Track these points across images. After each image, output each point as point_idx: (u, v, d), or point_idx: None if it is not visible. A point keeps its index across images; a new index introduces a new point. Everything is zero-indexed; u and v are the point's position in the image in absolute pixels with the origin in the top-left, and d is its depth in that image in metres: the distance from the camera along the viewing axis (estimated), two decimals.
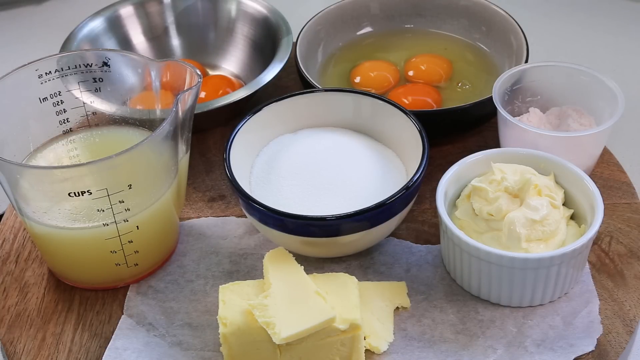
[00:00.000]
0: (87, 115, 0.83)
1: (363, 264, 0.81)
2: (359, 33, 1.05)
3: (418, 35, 1.04)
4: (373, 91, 0.94)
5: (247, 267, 0.82)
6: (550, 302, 0.77)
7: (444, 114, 0.88)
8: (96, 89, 0.82)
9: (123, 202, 0.74)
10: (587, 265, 0.80)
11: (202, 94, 0.96)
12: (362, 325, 0.70)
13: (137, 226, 0.76)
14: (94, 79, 0.82)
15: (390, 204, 0.75)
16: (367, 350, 0.73)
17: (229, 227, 0.86)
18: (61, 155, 0.82)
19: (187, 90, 0.75)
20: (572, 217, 0.79)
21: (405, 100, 0.93)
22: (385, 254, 0.82)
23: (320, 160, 0.82)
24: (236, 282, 0.73)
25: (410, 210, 0.82)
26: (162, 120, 0.73)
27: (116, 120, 0.83)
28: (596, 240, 0.82)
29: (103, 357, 0.74)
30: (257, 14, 1.03)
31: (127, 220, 0.76)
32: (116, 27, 1.03)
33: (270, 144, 0.86)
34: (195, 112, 0.80)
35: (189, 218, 0.87)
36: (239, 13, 1.04)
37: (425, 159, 0.78)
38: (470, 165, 0.80)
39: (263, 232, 0.80)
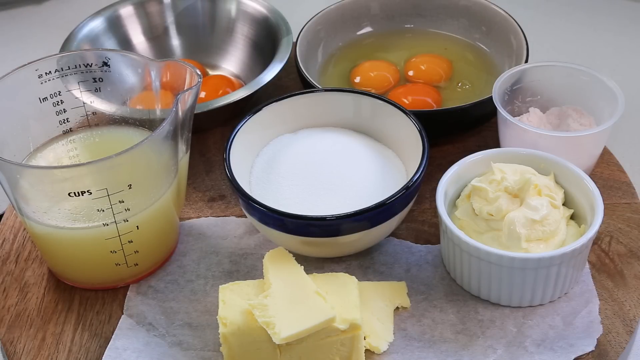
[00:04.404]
0: (87, 115, 0.83)
1: (363, 264, 0.81)
2: (359, 33, 1.05)
3: (418, 35, 1.04)
4: (373, 91, 0.94)
5: (247, 267, 0.82)
6: (550, 302, 0.77)
7: (444, 114, 0.88)
8: (96, 89, 0.82)
9: (123, 202, 0.74)
10: (587, 265, 0.80)
11: (202, 94, 0.96)
12: (362, 325, 0.70)
13: (137, 226, 0.76)
14: (94, 79, 0.82)
15: (390, 204, 0.75)
16: (367, 350, 0.73)
17: (229, 227, 0.86)
18: (61, 155, 0.82)
19: (187, 90, 0.75)
20: (572, 217, 0.79)
21: (405, 100, 0.93)
22: (385, 254, 0.82)
23: (320, 160, 0.82)
24: (236, 282, 0.73)
25: (410, 210, 0.82)
26: (162, 120, 0.73)
27: (116, 120, 0.83)
28: (596, 240, 0.82)
29: (103, 357, 0.74)
30: (257, 14, 1.03)
31: (127, 220, 0.76)
32: (116, 27, 1.03)
33: (270, 144, 0.86)
34: (195, 112, 0.80)
35: (189, 218, 0.87)
36: (239, 13, 1.04)
37: (425, 159, 0.78)
38: (470, 165, 0.80)
39: (263, 232, 0.80)
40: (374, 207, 0.75)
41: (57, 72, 0.80)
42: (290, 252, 0.75)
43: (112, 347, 0.75)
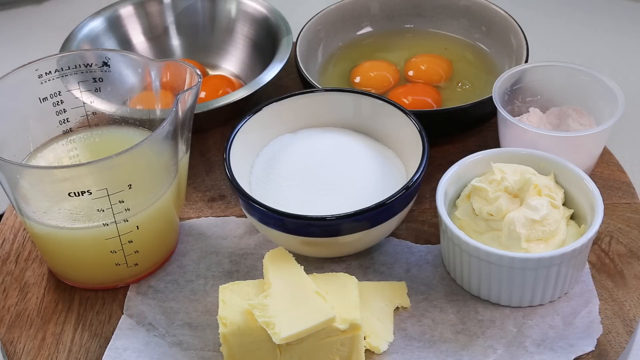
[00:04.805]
0: (87, 115, 0.83)
1: (363, 264, 0.81)
2: (359, 33, 1.05)
3: (418, 35, 1.04)
4: (373, 91, 0.94)
5: (247, 267, 0.82)
6: (550, 302, 0.77)
7: (444, 114, 0.88)
8: (96, 89, 0.82)
9: (123, 202, 0.74)
10: (587, 265, 0.80)
11: (202, 94, 0.96)
12: (362, 325, 0.70)
13: (137, 226, 0.76)
14: (94, 79, 0.82)
15: (390, 204, 0.75)
16: (367, 350, 0.73)
17: (229, 227, 0.86)
18: (61, 155, 0.82)
19: (187, 90, 0.75)
20: (572, 217, 0.79)
21: (405, 100, 0.93)
22: (385, 254, 0.82)
23: (320, 160, 0.82)
24: (236, 282, 0.73)
25: (410, 210, 0.82)
26: (162, 120, 0.73)
27: (116, 120, 0.83)
28: (596, 240, 0.82)
29: (103, 357, 0.74)
30: (257, 14, 1.03)
31: (127, 220, 0.76)
32: (116, 27, 1.03)
33: (270, 144, 0.86)
34: (195, 112, 0.80)
35: (189, 218, 0.87)
36: (239, 13, 1.04)
37: (425, 159, 0.78)
38: (470, 165, 0.80)
39: (263, 232, 0.80)
40: (374, 207, 0.75)
41: (57, 72, 0.80)
42: (290, 252, 0.75)
43: (112, 347, 0.75)
